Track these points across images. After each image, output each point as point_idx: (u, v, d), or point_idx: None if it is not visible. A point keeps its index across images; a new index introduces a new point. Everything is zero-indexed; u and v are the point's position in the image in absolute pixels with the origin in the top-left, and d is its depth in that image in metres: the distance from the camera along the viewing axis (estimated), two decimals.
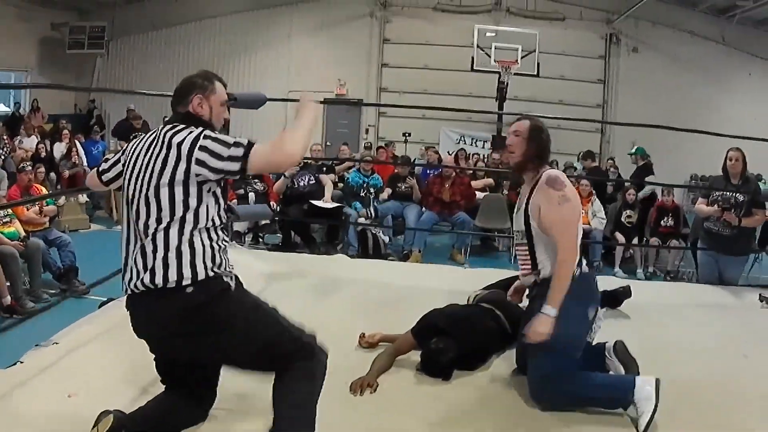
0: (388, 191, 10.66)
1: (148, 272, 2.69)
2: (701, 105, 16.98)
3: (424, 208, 10.38)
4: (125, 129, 14.07)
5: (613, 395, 3.37)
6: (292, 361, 2.77)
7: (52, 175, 11.79)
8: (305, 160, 10.59)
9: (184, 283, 2.67)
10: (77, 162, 12.42)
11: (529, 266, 3.65)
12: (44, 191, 8.63)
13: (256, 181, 10.04)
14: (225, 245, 2.86)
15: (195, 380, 3.00)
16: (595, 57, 18.27)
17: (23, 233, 7.58)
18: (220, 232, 2.83)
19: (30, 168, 8.57)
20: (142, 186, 2.75)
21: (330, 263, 6.61)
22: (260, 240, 10.45)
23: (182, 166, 2.68)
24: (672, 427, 3.24)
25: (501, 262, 9.95)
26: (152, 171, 2.73)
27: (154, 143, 2.80)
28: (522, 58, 15.43)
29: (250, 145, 2.70)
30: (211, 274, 2.71)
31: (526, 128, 3.70)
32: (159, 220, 2.70)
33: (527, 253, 3.64)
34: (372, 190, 10.47)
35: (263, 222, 10.07)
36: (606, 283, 5.37)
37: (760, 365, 4.20)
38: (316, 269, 6.07)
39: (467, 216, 10.30)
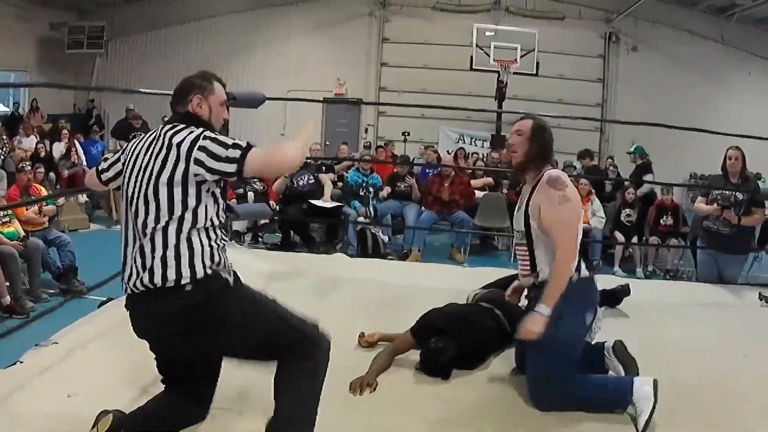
0: (387, 189, 10.66)
1: (147, 272, 2.69)
2: (700, 104, 16.95)
3: (423, 208, 10.39)
4: (124, 129, 14.04)
5: (611, 396, 3.37)
6: (293, 351, 2.78)
7: (52, 174, 11.77)
8: (305, 160, 10.56)
9: (183, 281, 2.67)
10: (76, 162, 12.41)
11: (529, 268, 3.63)
12: (43, 191, 8.63)
13: (256, 180, 10.05)
14: (224, 244, 2.87)
15: (194, 379, 3.00)
16: (594, 56, 18.27)
17: (22, 233, 7.58)
18: (218, 232, 2.84)
19: (29, 168, 8.57)
20: (141, 185, 2.75)
21: (329, 262, 6.60)
22: (259, 239, 10.45)
23: (181, 165, 2.69)
24: (671, 426, 3.23)
25: (500, 261, 9.95)
26: (152, 170, 2.73)
27: (154, 143, 2.81)
28: (521, 57, 15.46)
29: (248, 147, 2.70)
30: (209, 272, 2.72)
31: (529, 128, 3.66)
32: (158, 219, 2.70)
33: (527, 254, 3.62)
34: (371, 190, 10.47)
35: (262, 221, 10.08)
36: (605, 281, 5.37)
37: (759, 364, 4.19)
38: (316, 268, 6.06)
39: (466, 215, 10.31)
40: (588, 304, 3.57)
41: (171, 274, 2.67)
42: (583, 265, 3.54)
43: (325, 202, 9.88)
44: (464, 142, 17.35)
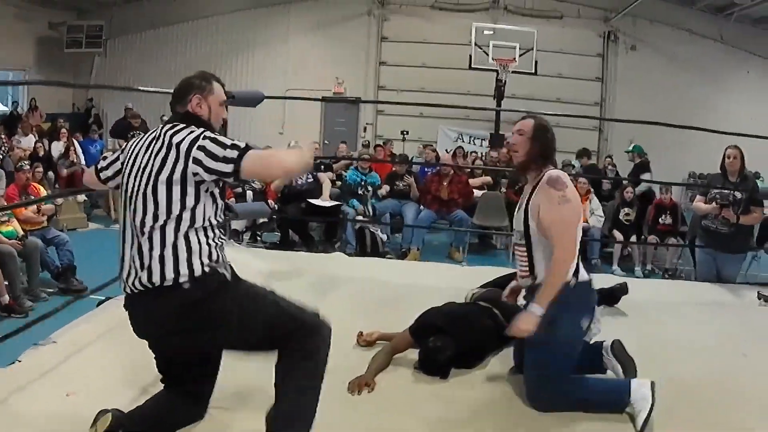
0: (386, 188, 10.66)
1: (145, 270, 2.70)
2: (699, 103, 16.95)
3: (422, 207, 10.39)
4: (123, 128, 14.05)
5: (609, 398, 3.36)
6: (293, 339, 2.79)
7: (50, 174, 11.77)
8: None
9: (181, 280, 2.68)
10: (75, 161, 12.39)
11: (527, 269, 3.59)
12: (42, 190, 8.62)
13: (254, 179, 10.04)
14: (222, 242, 2.87)
15: (193, 378, 3.00)
16: (592, 55, 18.27)
17: (21, 232, 7.57)
18: (217, 231, 2.84)
19: (28, 167, 8.56)
20: (140, 183, 2.76)
21: (328, 261, 6.61)
22: (258, 238, 10.46)
23: (180, 164, 2.70)
24: (670, 426, 3.23)
25: (499, 260, 9.96)
26: (151, 169, 2.74)
27: (153, 142, 2.82)
28: (520, 56, 15.47)
29: (247, 148, 2.71)
30: (207, 270, 2.72)
31: (531, 127, 3.61)
32: (156, 218, 2.70)
33: (525, 255, 3.58)
34: (370, 189, 10.47)
35: (261, 220, 10.08)
36: (603, 280, 5.37)
37: (758, 363, 4.19)
38: (314, 267, 6.06)
39: (465, 214, 10.32)
40: (585, 309, 3.53)
41: (169, 273, 2.67)
42: (581, 269, 3.50)
43: (324, 201, 9.87)
44: (463, 141, 17.32)
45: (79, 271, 7.78)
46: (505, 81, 15.51)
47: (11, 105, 16.91)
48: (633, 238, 10.33)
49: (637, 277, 8.82)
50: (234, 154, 2.69)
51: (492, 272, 5.38)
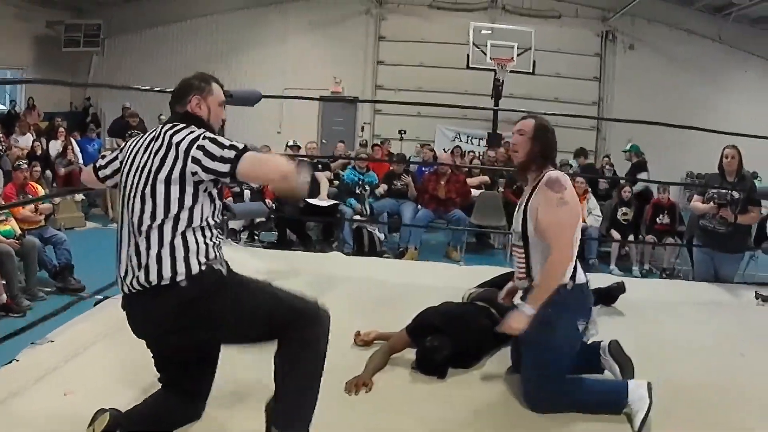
0: (384, 187, 10.66)
1: (142, 269, 2.70)
2: (697, 103, 16.96)
3: (419, 206, 10.40)
4: (121, 127, 14.06)
5: (606, 399, 3.35)
6: (291, 329, 2.78)
7: (48, 173, 11.76)
8: (301, 158, 10.60)
9: (178, 278, 2.69)
10: (73, 160, 12.38)
11: (524, 271, 3.57)
12: (40, 189, 8.61)
13: None
14: (219, 242, 2.88)
15: (191, 377, 3.00)
16: (590, 54, 18.28)
17: (19, 231, 7.57)
18: (214, 231, 2.85)
19: (26, 166, 8.54)
20: (139, 182, 2.77)
21: (325, 261, 6.61)
22: (256, 237, 10.46)
23: (179, 164, 2.72)
24: (668, 426, 3.23)
25: (496, 260, 9.96)
26: (150, 168, 2.76)
27: (153, 141, 2.84)
28: (518, 55, 15.44)
29: (245, 150, 2.73)
30: (204, 268, 2.73)
31: (531, 127, 3.58)
32: (153, 217, 2.71)
33: (523, 257, 3.56)
34: (367, 188, 10.47)
35: (259, 219, 10.08)
36: (601, 280, 5.38)
37: (756, 363, 4.19)
38: (312, 267, 6.05)
39: (462, 213, 10.32)
40: (582, 310, 3.52)
41: (166, 272, 2.68)
42: (579, 272, 3.47)
43: (322, 201, 9.87)
44: (460, 141, 17.31)
45: (76, 270, 7.79)
46: (503, 80, 15.50)
47: (9, 104, 16.89)
48: (631, 238, 10.35)
49: (635, 277, 8.83)
50: (231, 154, 2.70)
51: (489, 272, 5.39)
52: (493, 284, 4.69)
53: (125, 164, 2.89)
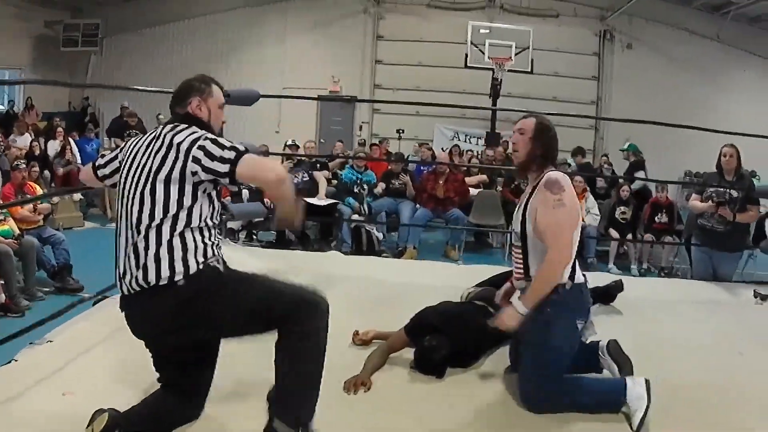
0: (382, 186, 10.65)
1: (140, 269, 2.71)
2: (696, 102, 16.96)
3: (418, 205, 10.40)
4: (119, 126, 14.05)
5: (604, 398, 3.34)
6: (290, 321, 2.78)
7: (46, 173, 11.75)
8: (299, 158, 10.63)
9: (176, 278, 2.70)
10: (71, 160, 12.37)
11: (522, 272, 3.55)
12: (38, 189, 8.61)
13: None
14: (218, 241, 2.90)
15: (189, 377, 3.00)
16: (589, 54, 18.27)
17: (17, 231, 7.55)
18: (213, 231, 2.87)
19: (24, 166, 8.54)
20: (138, 182, 2.79)
21: (324, 260, 6.61)
22: (254, 237, 10.45)
23: (179, 164, 2.74)
24: (667, 425, 3.23)
25: (495, 259, 9.96)
26: (150, 168, 2.78)
27: (153, 142, 2.86)
28: (516, 54, 15.41)
29: (244, 151, 2.76)
30: (201, 267, 2.74)
31: (532, 127, 3.55)
32: (152, 217, 2.72)
33: (521, 257, 3.54)
34: (365, 187, 10.46)
35: (257, 219, 10.07)
36: (599, 279, 5.38)
37: (754, 362, 4.19)
38: (310, 266, 6.05)
39: (461, 212, 10.32)
40: (580, 310, 3.52)
41: (164, 271, 2.69)
42: (577, 271, 3.46)
43: (320, 200, 9.87)
44: (459, 140, 17.29)
45: (75, 270, 7.77)
46: (501, 80, 15.48)
47: (7, 104, 16.89)
48: (629, 237, 10.35)
49: (633, 276, 8.83)
50: (232, 155, 2.73)
51: (488, 271, 5.40)
52: (492, 283, 4.69)
53: (125, 164, 2.91)
